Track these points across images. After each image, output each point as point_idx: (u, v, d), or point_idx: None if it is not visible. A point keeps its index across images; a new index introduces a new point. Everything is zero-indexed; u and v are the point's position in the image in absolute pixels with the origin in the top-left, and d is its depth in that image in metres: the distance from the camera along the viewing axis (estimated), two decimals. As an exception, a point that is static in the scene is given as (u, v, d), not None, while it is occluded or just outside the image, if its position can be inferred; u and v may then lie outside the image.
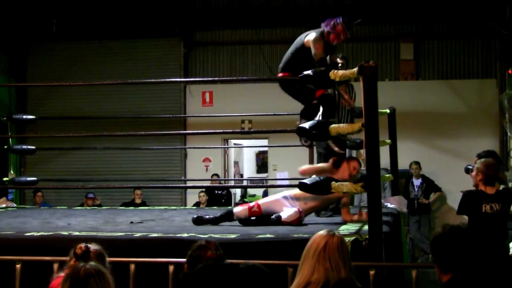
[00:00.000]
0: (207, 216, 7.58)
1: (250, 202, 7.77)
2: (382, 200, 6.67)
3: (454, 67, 15.35)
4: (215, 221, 7.49)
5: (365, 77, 5.92)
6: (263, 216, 7.36)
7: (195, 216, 7.58)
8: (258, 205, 7.48)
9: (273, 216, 7.27)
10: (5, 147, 10.71)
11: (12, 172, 11.25)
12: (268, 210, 7.42)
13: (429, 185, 14.14)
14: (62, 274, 4.35)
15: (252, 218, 7.40)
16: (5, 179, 10.79)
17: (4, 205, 10.66)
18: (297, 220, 7.19)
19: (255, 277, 3.58)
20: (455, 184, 13.67)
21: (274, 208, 7.41)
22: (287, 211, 7.25)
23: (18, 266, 5.54)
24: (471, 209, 6.58)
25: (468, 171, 7.69)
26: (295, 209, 7.25)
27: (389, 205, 9.10)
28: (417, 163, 14.14)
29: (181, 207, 12.80)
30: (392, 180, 9.93)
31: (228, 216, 7.54)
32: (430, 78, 15.37)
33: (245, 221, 7.39)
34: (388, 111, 9.51)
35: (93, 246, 4.40)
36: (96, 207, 11.84)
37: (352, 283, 3.82)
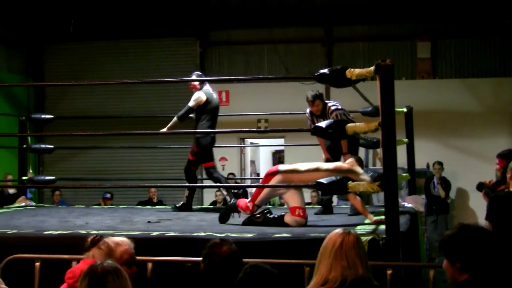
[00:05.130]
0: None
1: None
2: (399, 200, 6.64)
3: (471, 65, 15.30)
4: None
5: (382, 76, 5.92)
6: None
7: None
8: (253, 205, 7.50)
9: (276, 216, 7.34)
10: (24, 146, 10.79)
11: (31, 171, 11.30)
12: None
13: (448, 185, 14.08)
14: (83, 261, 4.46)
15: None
16: (24, 178, 10.86)
17: (23, 204, 10.71)
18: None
19: (260, 277, 3.61)
20: (471, 184, 13.62)
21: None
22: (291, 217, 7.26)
23: (37, 264, 5.58)
24: (501, 213, 6.14)
25: (481, 187, 7.44)
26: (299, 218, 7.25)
27: (406, 204, 9.09)
28: (440, 163, 14.07)
29: (198, 206, 12.83)
30: (409, 180, 9.91)
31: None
32: (447, 77, 15.32)
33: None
34: (405, 110, 9.48)
35: (107, 240, 4.49)
36: (113, 206, 11.88)
37: (369, 281, 3.83)
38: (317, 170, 7.32)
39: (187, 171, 9.82)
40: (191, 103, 9.41)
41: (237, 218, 7.62)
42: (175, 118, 9.43)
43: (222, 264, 3.96)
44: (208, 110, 9.43)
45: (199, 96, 9.39)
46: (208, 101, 9.43)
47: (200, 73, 9.78)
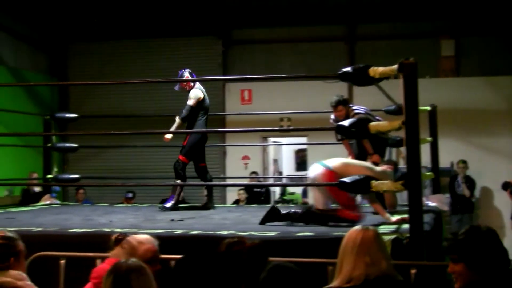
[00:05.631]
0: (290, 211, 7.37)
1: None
2: (423, 199, 6.62)
3: (495, 63, 15.19)
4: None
5: (405, 74, 5.90)
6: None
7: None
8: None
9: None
10: (49, 145, 10.86)
11: (55, 170, 11.38)
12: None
13: (472, 184, 14.00)
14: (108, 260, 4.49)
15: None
16: (48, 176, 10.93)
17: (48, 202, 10.80)
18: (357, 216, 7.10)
19: (285, 276, 3.60)
20: (496, 182, 13.57)
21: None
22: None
23: (62, 261, 5.61)
24: None
25: (506, 186, 7.42)
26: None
27: (430, 203, 9.05)
28: (464, 162, 13.99)
29: (221, 205, 12.84)
30: (433, 178, 9.85)
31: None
32: (471, 75, 15.22)
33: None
34: (428, 108, 9.44)
35: (129, 239, 4.51)
36: (136, 204, 11.92)
37: (394, 277, 3.82)
38: (369, 169, 7.25)
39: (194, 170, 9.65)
40: (191, 102, 9.29)
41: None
42: (178, 120, 9.23)
43: (240, 261, 3.94)
44: (203, 107, 9.41)
45: (196, 93, 9.35)
46: (204, 98, 9.42)
47: (190, 71, 9.69)
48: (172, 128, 9.20)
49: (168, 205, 9.35)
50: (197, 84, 9.49)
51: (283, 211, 7.30)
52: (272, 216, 7.29)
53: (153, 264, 4.32)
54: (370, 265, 3.76)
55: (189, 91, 9.42)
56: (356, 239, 3.84)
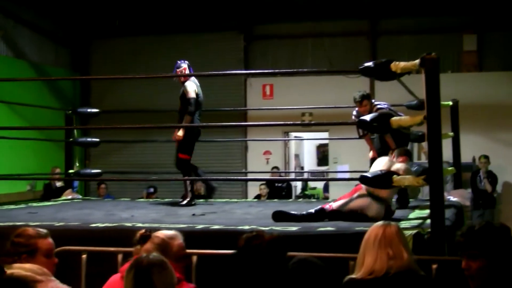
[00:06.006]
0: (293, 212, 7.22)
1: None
2: (445, 194, 6.59)
3: (518, 58, 15.11)
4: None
5: (427, 69, 5.88)
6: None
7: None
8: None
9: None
10: (70, 139, 10.91)
11: (77, 165, 11.44)
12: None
13: (494, 179, 13.93)
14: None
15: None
16: (70, 171, 10.99)
17: (70, 197, 10.86)
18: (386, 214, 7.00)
19: (309, 271, 3.60)
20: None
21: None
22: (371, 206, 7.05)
23: (83, 256, 5.64)
24: None
25: None
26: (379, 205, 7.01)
27: (451, 198, 9.01)
28: (486, 157, 13.91)
29: (242, 200, 12.86)
30: (455, 174, 9.81)
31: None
32: (493, 70, 15.14)
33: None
34: (450, 103, 9.39)
35: (158, 235, 4.47)
36: (158, 199, 11.96)
37: (416, 272, 3.82)
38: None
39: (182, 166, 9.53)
40: (192, 95, 9.22)
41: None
42: (187, 116, 9.18)
43: (260, 255, 3.93)
44: (198, 101, 9.39)
45: (193, 86, 9.32)
46: (198, 93, 9.41)
47: (189, 63, 9.67)
48: (184, 124, 9.20)
49: (184, 202, 9.34)
50: (192, 78, 9.46)
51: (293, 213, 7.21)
52: (282, 217, 7.14)
53: (185, 259, 4.31)
54: (391, 259, 3.77)
55: (182, 83, 9.40)
56: (378, 233, 3.86)
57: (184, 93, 9.30)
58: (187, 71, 9.42)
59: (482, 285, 3.38)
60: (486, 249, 3.37)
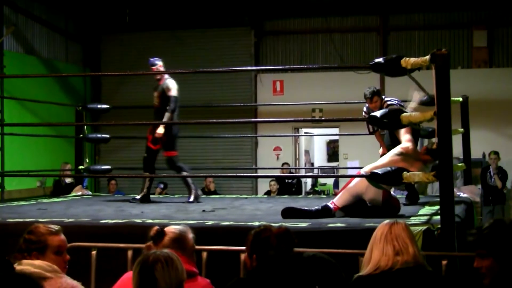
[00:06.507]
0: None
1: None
2: (455, 190, 6.57)
3: (529, 54, 15.06)
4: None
5: (437, 65, 5.86)
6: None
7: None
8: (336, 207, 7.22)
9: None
10: (81, 136, 10.93)
11: (87, 161, 11.45)
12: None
13: (504, 175, 13.89)
14: None
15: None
16: (80, 167, 11.01)
17: (80, 193, 10.87)
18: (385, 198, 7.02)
19: (320, 267, 3.60)
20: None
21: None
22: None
23: (93, 252, 5.65)
24: None
25: None
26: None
27: (461, 194, 9.00)
28: (496, 153, 13.87)
29: (252, 196, 12.86)
30: (465, 170, 9.78)
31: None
32: (504, 66, 15.11)
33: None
34: (460, 99, 9.36)
35: (173, 230, 4.43)
36: (168, 195, 11.97)
37: (424, 267, 3.81)
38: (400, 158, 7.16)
39: (148, 161, 9.69)
40: (174, 92, 9.35)
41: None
42: (168, 114, 9.29)
43: (270, 248, 3.92)
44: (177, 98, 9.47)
45: (174, 84, 9.40)
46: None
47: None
48: (165, 122, 9.26)
49: (138, 197, 9.51)
50: (168, 76, 9.51)
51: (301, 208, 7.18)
52: (292, 213, 7.10)
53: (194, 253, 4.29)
54: (398, 252, 3.77)
55: (158, 80, 9.48)
56: (384, 230, 3.87)
57: (165, 90, 9.35)
58: (162, 69, 9.48)
59: (492, 283, 3.38)
60: (494, 248, 3.37)
